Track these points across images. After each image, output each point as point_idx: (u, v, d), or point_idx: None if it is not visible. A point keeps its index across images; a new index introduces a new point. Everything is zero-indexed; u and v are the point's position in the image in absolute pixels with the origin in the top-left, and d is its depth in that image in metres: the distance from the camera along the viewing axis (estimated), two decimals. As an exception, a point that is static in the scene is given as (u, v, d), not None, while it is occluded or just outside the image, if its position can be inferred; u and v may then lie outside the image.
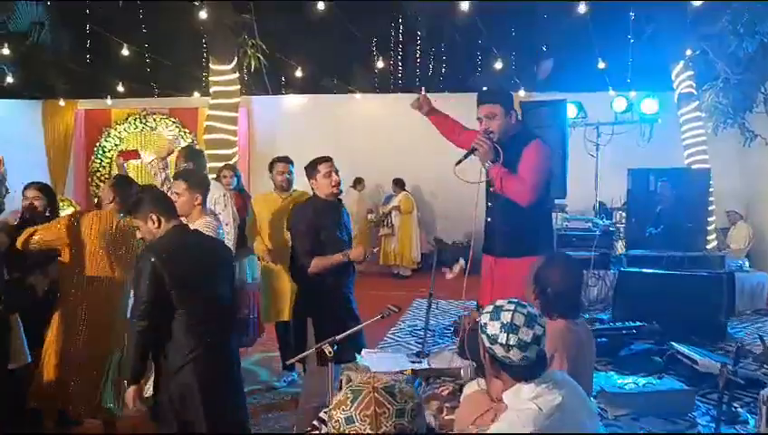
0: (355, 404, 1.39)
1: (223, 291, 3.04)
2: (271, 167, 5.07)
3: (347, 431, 1.37)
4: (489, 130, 3.50)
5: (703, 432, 3.29)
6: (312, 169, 3.85)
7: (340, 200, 3.93)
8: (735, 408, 3.48)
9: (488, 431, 2.01)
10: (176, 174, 4.12)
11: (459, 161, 3.38)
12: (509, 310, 2.04)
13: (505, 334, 1.99)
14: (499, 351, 2.00)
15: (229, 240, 4.31)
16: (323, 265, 3.65)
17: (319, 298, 3.61)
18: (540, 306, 2.73)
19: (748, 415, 3.41)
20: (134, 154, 7.34)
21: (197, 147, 6.31)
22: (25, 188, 4.14)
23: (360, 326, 3.01)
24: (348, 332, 2.84)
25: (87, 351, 3.67)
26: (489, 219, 3.64)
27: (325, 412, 3.34)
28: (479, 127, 3.58)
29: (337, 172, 3.87)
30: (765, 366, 4.24)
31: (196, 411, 2.89)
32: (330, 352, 2.81)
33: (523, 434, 1.91)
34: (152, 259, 2.79)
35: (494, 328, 2.01)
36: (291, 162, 4.98)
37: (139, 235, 3.15)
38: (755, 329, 6.09)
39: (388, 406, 1.37)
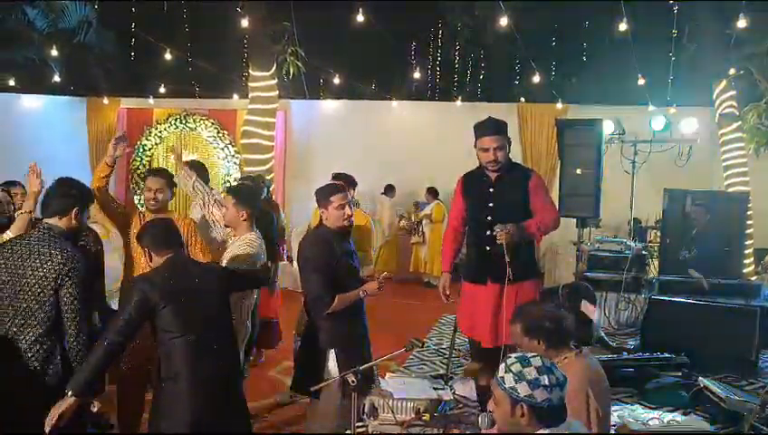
0: None
1: (220, 312, 3.09)
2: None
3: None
4: (497, 160, 3.62)
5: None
6: (324, 198, 3.61)
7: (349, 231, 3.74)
8: (760, 452, 3.44)
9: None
10: (227, 189, 4.19)
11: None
12: (535, 356, 2.11)
13: (545, 376, 2.03)
14: (541, 395, 2.02)
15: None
16: (343, 304, 3.43)
17: (342, 330, 3.48)
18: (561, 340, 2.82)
19: (773, 461, 3.36)
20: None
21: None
22: None
23: (382, 359, 3.06)
24: (372, 362, 2.90)
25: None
26: (488, 248, 3.67)
27: (348, 437, 3.41)
28: (484, 156, 3.66)
29: (349, 205, 3.68)
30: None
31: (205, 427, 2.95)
32: (353, 382, 2.88)
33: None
34: (141, 287, 2.91)
35: (531, 373, 2.04)
36: (344, 178, 4.83)
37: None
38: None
39: None
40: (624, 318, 6.47)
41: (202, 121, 12.02)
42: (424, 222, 10.77)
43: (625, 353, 5.22)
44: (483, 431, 2.28)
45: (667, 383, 4.43)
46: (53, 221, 3.00)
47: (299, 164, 11.45)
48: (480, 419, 2.26)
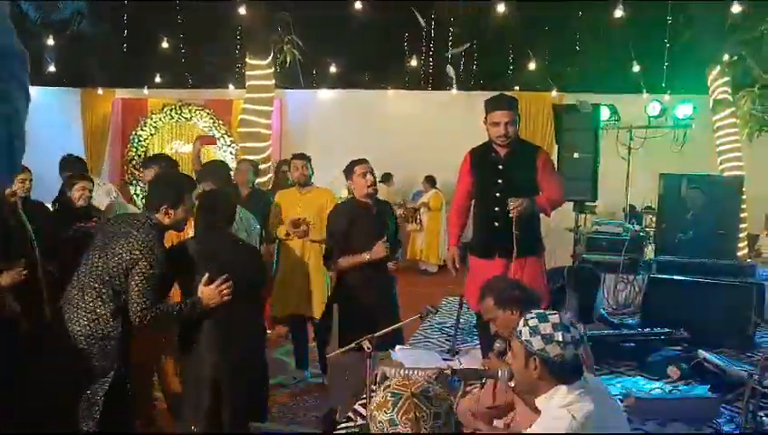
0: (396, 408, 1.50)
1: (242, 289, 3.16)
2: (289, 164, 5.23)
3: (391, 431, 1.48)
4: (508, 135, 3.71)
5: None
6: (348, 170, 4.11)
7: (380, 201, 4.11)
8: (761, 417, 3.53)
9: None
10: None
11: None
12: (554, 313, 2.16)
13: (560, 333, 2.07)
14: (554, 350, 2.06)
15: None
16: (347, 265, 4.02)
17: (346, 287, 4.01)
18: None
19: (774, 425, 3.46)
20: (212, 140, 7.73)
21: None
22: (77, 179, 4.30)
23: (398, 325, 3.14)
24: (387, 329, 2.97)
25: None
26: (497, 223, 3.77)
27: (361, 404, 3.50)
28: (495, 131, 3.74)
29: (372, 173, 4.10)
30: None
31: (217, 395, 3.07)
32: (368, 348, 2.95)
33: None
34: (179, 248, 3.13)
35: (546, 329, 2.09)
36: (307, 159, 5.09)
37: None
38: (784, 339, 6.07)
39: (426, 410, 1.48)
40: (622, 298, 6.56)
41: (198, 112, 12.04)
42: (422, 210, 10.86)
43: (626, 329, 5.32)
44: (501, 384, 2.34)
45: (668, 356, 4.52)
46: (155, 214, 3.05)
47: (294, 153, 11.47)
48: (500, 372, 2.32)
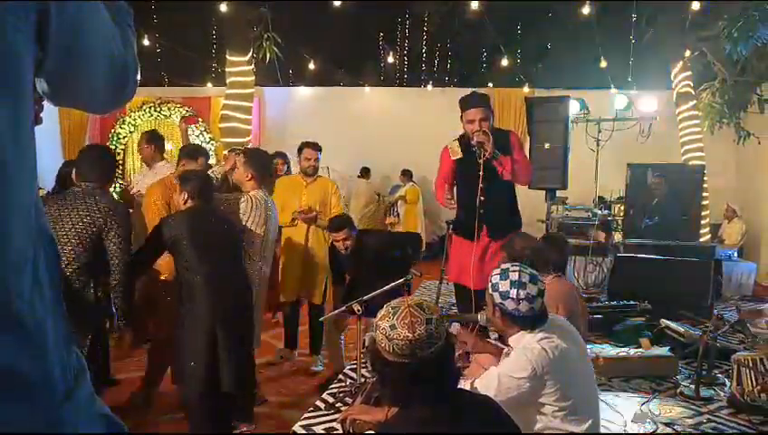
0: (395, 316, 1.79)
1: (228, 258, 3.46)
2: (299, 151, 5.30)
3: (392, 336, 1.76)
4: (483, 130, 3.98)
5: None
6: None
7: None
8: (715, 373, 3.87)
9: (499, 367, 2.38)
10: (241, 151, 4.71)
11: (485, 157, 3.90)
12: (515, 270, 2.42)
13: (515, 290, 2.35)
14: (510, 305, 2.36)
15: None
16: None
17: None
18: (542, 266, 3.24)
19: (725, 379, 3.79)
20: (194, 120, 7.88)
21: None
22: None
23: (384, 289, 3.39)
24: (375, 293, 3.23)
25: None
26: (481, 210, 4.07)
27: (351, 369, 3.75)
28: (470, 128, 4.04)
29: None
30: (743, 334, 4.63)
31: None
32: (358, 310, 3.22)
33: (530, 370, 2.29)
34: (166, 221, 3.36)
35: (504, 286, 2.37)
36: (319, 149, 5.14)
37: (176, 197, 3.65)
38: (739, 312, 6.44)
39: (420, 316, 1.77)
40: (592, 279, 6.91)
41: (177, 109, 12.15)
42: (399, 203, 11.13)
43: (594, 302, 5.65)
44: (482, 323, 2.62)
45: (633, 325, 4.85)
46: (92, 184, 3.23)
47: (273, 150, 11.63)
48: (480, 315, 2.60)
